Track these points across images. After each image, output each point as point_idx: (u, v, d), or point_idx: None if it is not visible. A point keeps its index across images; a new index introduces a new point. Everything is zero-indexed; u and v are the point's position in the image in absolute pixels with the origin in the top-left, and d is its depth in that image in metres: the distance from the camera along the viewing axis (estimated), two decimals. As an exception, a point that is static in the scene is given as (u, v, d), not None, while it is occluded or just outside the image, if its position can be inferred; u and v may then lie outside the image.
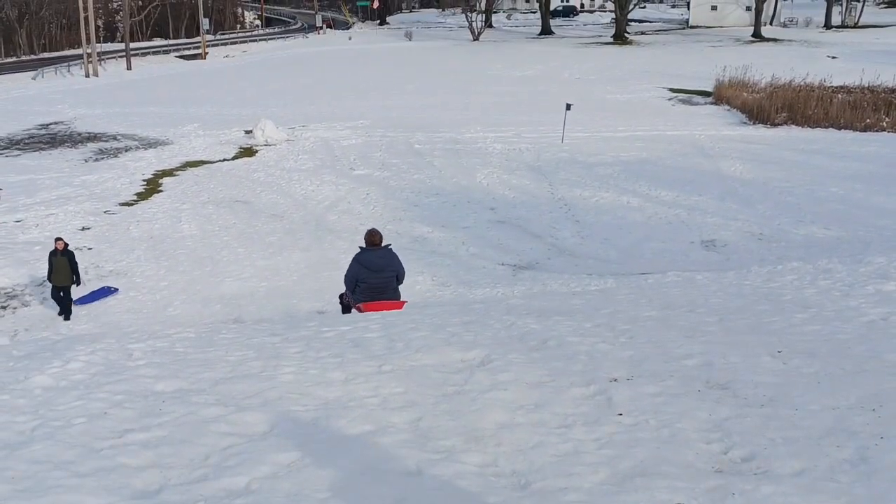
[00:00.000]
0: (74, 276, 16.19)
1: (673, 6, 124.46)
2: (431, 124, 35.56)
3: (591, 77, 52.76)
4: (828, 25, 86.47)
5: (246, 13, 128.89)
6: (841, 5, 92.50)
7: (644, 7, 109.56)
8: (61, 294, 16.10)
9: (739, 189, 24.85)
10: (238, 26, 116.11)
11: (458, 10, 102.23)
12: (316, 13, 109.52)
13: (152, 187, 25.86)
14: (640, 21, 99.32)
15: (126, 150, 31.39)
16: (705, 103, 41.27)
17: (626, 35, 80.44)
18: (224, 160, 29.73)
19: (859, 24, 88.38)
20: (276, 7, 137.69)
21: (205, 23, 77.62)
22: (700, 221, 21.80)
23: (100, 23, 75.51)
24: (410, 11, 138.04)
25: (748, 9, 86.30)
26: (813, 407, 5.72)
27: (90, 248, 19.92)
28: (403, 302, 10.19)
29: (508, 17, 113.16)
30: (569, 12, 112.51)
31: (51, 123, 37.71)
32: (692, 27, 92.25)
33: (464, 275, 18.44)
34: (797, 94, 36.97)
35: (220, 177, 27.19)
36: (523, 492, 4.73)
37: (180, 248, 20.15)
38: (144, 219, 22.39)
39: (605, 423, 5.62)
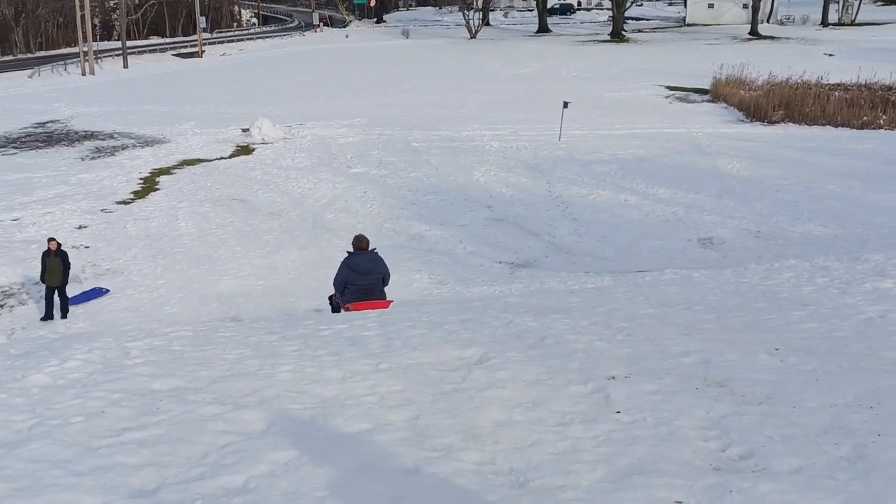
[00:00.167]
0: (64, 276, 16.02)
1: (670, 4, 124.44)
2: (429, 122, 35.55)
3: (588, 75, 52.75)
4: (825, 23, 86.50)
5: (243, 11, 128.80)
6: (838, 3, 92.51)
7: (641, 5, 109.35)
8: (55, 295, 15.98)
9: (737, 187, 24.86)
10: (235, 24, 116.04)
11: (455, 7, 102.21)
12: (313, 11, 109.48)
13: (149, 186, 25.83)
14: (637, 19, 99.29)
15: (123, 149, 31.35)
16: (702, 101, 41.28)
17: (622, 33, 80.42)
18: (221, 158, 29.70)
19: (856, 21, 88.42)
20: (273, 5, 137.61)
21: (201, 21, 77.52)
22: (697, 219, 21.82)
23: (96, 21, 75.46)
24: (407, 9, 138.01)
25: (745, 6, 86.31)
26: (810, 404, 5.73)
27: (87, 247, 19.89)
28: (389, 301, 10.52)
29: (505, 15, 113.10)
30: (566, 10, 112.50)
31: (47, 122, 37.65)
32: (689, 25, 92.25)
33: (461, 273, 18.44)
34: (794, 92, 36.99)
35: (217, 175, 27.17)
36: (521, 490, 4.73)
37: (177, 246, 20.12)
38: (141, 217, 22.36)
39: (602, 421, 5.62)
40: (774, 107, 35.54)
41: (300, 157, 29.80)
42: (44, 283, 16.10)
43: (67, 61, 62.23)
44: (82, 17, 60.79)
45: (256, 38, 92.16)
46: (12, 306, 16.62)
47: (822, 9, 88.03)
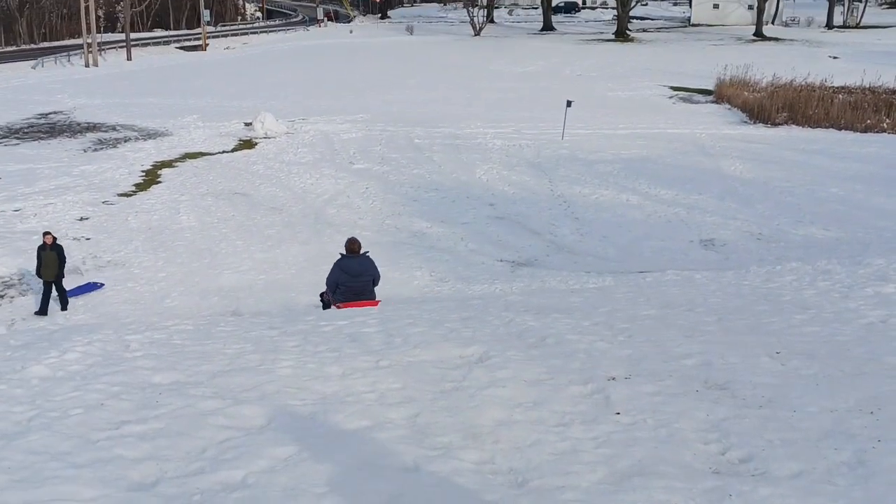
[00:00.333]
0: (60, 270, 15.92)
1: (675, 4, 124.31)
2: (432, 119, 35.53)
3: (592, 74, 52.72)
4: (830, 25, 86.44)
5: (247, 5, 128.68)
6: (843, 5, 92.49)
7: (646, 4, 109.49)
8: (52, 290, 15.87)
9: (739, 188, 24.84)
10: (239, 18, 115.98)
11: (460, 4, 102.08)
12: (317, 6, 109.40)
13: (151, 178, 25.81)
14: (642, 18, 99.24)
15: (125, 141, 31.33)
16: (706, 102, 41.24)
17: (627, 32, 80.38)
18: (223, 152, 29.69)
19: (861, 24, 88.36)
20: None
21: (206, 14, 77.44)
22: (699, 220, 21.79)
23: (100, 13, 75.44)
24: (412, 5, 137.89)
25: (750, 7, 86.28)
26: (811, 409, 5.72)
27: (88, 239, 19.88)
28: (378, 301, 10.94)
29: (510, 13, 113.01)
30: (570, 9, 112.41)
31: (50, 113, 37.64)
32: (694, 25, 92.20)
33: (462, 270, 18.42)
34: (798, 94, 36.94)
35: (219, 169, 27.15)
36: (520, 490, 4.73)
37: (179, 239, 20.11)
38: (143, 210, 22.35)
39: (602, 422, 5.61)
40: (778, 108, 35.50)
41: (303, 151, 29.78)
42: (40, 277, 15.98)
43: (71, 53, 62.20)
44: (86, 8, 60.76)
45: (260, 31, 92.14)
46: (12, 297, 16.61)
47: (827, 11, 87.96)
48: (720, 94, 41.38)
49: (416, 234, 21.04)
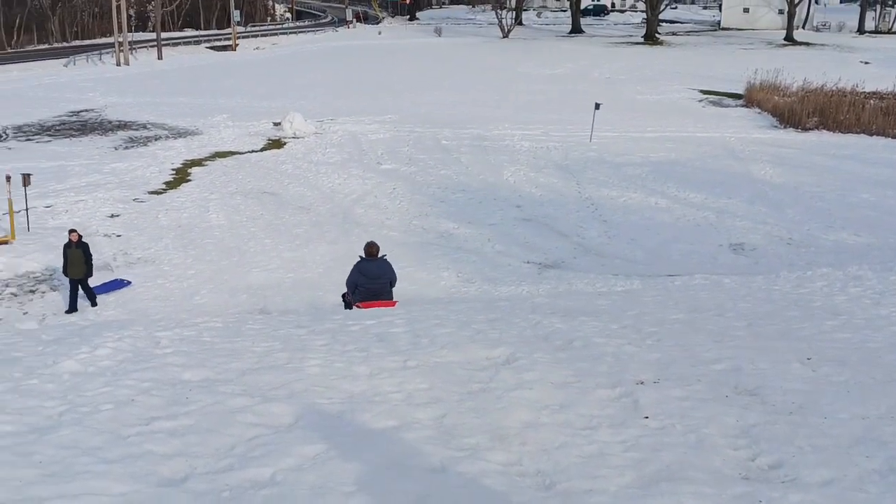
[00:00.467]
0: (87, 267, 16.03)
1: (705, 7, 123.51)
2: (459, 120, 35.54)
3: (620, 77, 52.50)
4: (861, 30, 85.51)
5: (277, 6, 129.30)
6: (874, 11, 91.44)
7: (675, 7, 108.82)
8: (79, 288, 15.98)
9: (769, 193, 24.65)
10: (269, 19, 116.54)
11: (488, 6, 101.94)
12: (346, 7, 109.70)
13: (181, 176, 26.02)
14: (672, 22, 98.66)
15: (156, 139, 31.61)
16: (736, 105, 40.96)
17: (656, 35, 79.91)
18: (252, 151, 29.87)
19: (893, 29, 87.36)
20: (306, 0, 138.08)
21: (236, 14, 77.83)
22: (729, 224, 21.65)
23: (132, 12, 76.15)
24: (440, 7, 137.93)
25: (781, 12, 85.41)
26: (842, 415, 5.67)
27: (119, 236, 20.07)
28: (395, 302, 11.43)
29: (538, 15, 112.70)
30: (599, 11, 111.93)
31: (82, 111, 38.03)
32: (724, 29, 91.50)
33: (489, 272, 18.41)
34: (829, 99, 36.60)
35: (248, 168, 27.31)
36: (548, 492, 4.71)
37: (208, 237, 20.26)
38: (173, 207, 22.53)
39: (631, 426, 5.58)
40: (809, 113, 35.19)
41: (331, 152, 29.90)
42: (66, 275, 16.07)
43: (102, 51, 62.76)
44: (118, 7, 61.30)
45: (290, 32, 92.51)
46: (44, 292, 16.80)
47: (858, 16, 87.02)
48: (750, 98, 41.08)
49: (443, 235, 21.05)
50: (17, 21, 73.26)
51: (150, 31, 78.63)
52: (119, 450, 5.31)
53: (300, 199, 23.81)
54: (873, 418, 5.60)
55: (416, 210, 23.06)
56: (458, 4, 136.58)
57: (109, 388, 6.59)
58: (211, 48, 73.65)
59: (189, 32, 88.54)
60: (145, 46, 65.95)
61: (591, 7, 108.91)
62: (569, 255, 19.62)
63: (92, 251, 16.40)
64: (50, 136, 32.11)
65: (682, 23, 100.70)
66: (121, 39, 59.73)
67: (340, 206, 23.28)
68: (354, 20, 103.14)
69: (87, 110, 38.19)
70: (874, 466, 4.87)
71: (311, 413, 5.98)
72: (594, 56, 66.42)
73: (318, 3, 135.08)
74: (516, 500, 4.61)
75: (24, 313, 15.78)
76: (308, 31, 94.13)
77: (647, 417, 5.73)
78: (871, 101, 37.02)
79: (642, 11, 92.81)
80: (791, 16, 78.75)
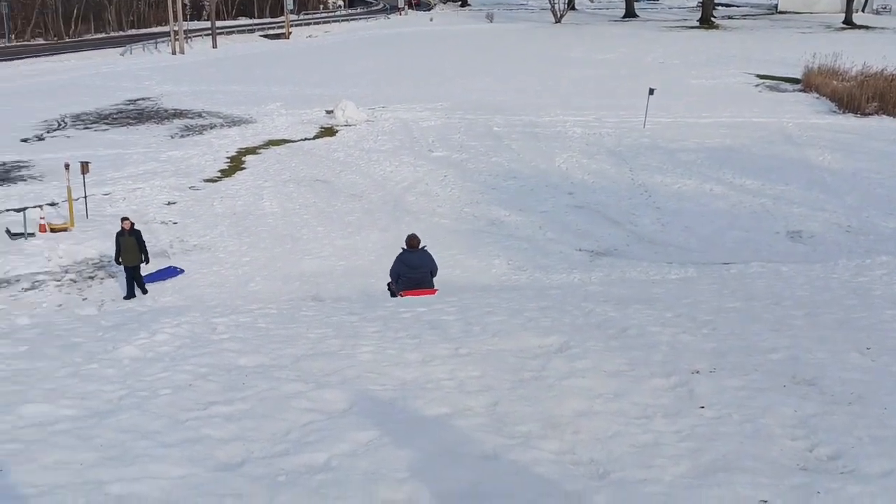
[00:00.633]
0: (143, 254, 16.28)
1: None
2: (511, 107, 35.41)
3: (675, 61, 51.81)
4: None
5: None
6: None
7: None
8: (133, 273, 16.22)
9: (827, 179, 24.18)
10: (321, 6, 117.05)
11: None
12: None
13: (235, 164, 26.32)
14: (728, 5, 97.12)
15: (211, 128, 32.00)
16: (793, 90, 40.21)
17: (712, 19, 78.71)
18: (305, 139, 30.09)
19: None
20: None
21: (289, 2, 78.31)
22: (785, 211, 21.29)
23: (186, 1, 76.91)
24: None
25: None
26: (903, 407, 5.55)
27: (175, 223, 20.39)
28: (436, 290, 11.97)
29: (591, 0, 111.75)
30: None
31: (138, 99, 38.64)
32: (781, 12, 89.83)
33: (540, 259, 18.35)
34: (889, 84, 35.70)
35: (301, 156, 27.53)
36: (601, 481, 4.69)
37: (262, 224, 20.48)
38: (228, 195, 22.81)
39: (686, 416, 5.53)
40: (868, 98, 34.40)
41: (382, 139, 29.99)
42: (119, 263, 16.31)
43: (158, 40, 63.66)
44: (174, -3, 62.12)
45: (342, 20, 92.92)
46: (102, 279, 17.14)
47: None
48: (808, 82, 40.28)
49: (494, 223, 21.02)
50: (76, 11, 74.59)
51: (204, 20, 79.57)
52: (177, 434, 5.40)
53: (352, 186, 23.94)
54: (936, 410, 5.47)
55: (468, 197, 23.05)
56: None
57: (168, 373, 6.70)
58: (264, 36, 74.29)
59: (243, 21, 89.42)
60: (200, 35, 66.75)
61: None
62: (621, 242, 19.47)
63: (150, 238, 16.68)
64: (107, 124, 32.68)
65: (738, 6, 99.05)
66: (176, 28, 60.50)
67: (392, 193, 23.36)
68: (406, 7, 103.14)
69: (143, 99, 38.79)
70: (936, 459, 4.76)
71: (364, 399, 6.02)
72: (648, 40, 65.66)
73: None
74: (569, 489, 4.60)
75: (84, 299, 16.12)
76: (360, 19, 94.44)
77: (702, 407, 5.67)
78: (934, 85, 36.06)
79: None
80: (850, -1, 77.03)
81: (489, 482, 4.69)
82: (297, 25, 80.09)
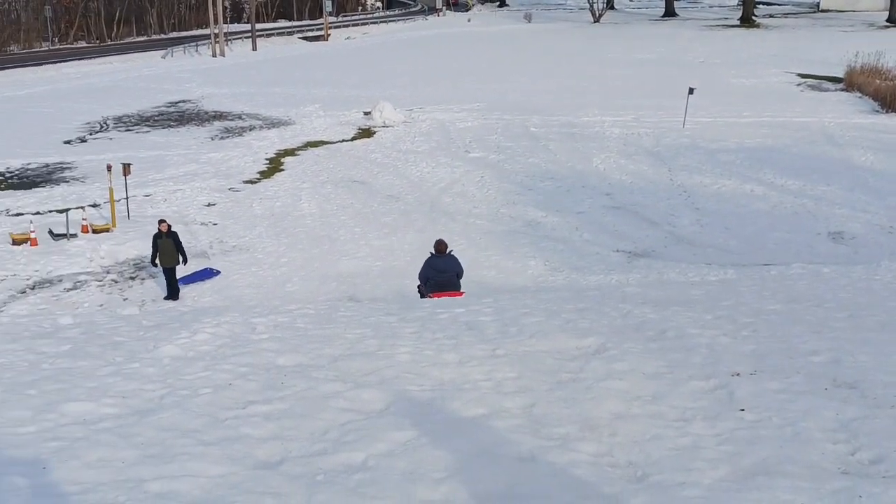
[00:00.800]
0: (181, 255, 16.39)
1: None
2: (548, 107, 35.29)
3: (715, 61, 51.33)
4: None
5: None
6: None
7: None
8: (172, 274, 16.31)
9: (870, 180, 23.81)
10: (360, 8, 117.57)
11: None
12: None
13: (274, 166, 26.51)
14: (769, 4, 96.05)
15: (250, 130, 32.26)
16: (835, 90, 39.63)
17: (753, 18, 77.88)
18: (343, 141, 30.23)
19: None
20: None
21: (327, 5, 78.75)
22: (827, 212, 21.00)
23: (227, 3, 77.71)
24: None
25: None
26: (948, 411, 5.46)
27: (215, 224, 20.58)
28: (462, 293, 12.68)
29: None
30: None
31: (179, 101, 39.06)
32: (823, 11, 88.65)
33: (577, 261, 18.27)
34: (935, 83, 35.13)
35: (339, 157, 27.66)
36: (639, 484, 4.67)
37: (300, 226, 20.61)
38: (267, 196, 22.98)
39: (725, 419, 5.49)
40: (912, 97, 33.82)
41: (419, 140, 30.05)
42: (155, 265, 16.42)
43: (199, 43, 64.29)
44: None
45: (380, 21, 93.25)
46: (143, 279, 17.35)
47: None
48: (850, 81, 39.67)
49: (530, 224, 20.97)
50: (118, 14, 75.65)
51: (244, 23, 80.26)
52: (217, 432, 5.46)
53: (389, 187, 24.01)
54: (982, 415, 5.38)
55: (504, 198, 23.01)
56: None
57: (208, 372, 6.78)
58: (303, 38, 74.74)
59: (282, 23, 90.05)
60: (240, 38, 67.33)
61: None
62: (659, 243, 19.32)
63: (190, 239, 16.79)
64: (149, 126, 33.08)
65: (779, 5, 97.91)
66: (216, 31, 61.10)
67: (428, 194, 23.39)
68: (444, 8, 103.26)
69: (184, 101, 39.20)
70: (983, 465, 4.68)
71: (401, 399, 6.05)
72: (688, 40, 65.15)
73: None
74: (607, 491, 4.59)
75: (125, 299, 16.33)
76: (398, 20, 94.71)
77: (742, 410, 5.62)
78: (981, 84, 35.37)
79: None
80: (895, -4, 75.77)
81: (526, 484, 4.69)
82: (335, 27, 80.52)
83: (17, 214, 20.89)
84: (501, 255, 18.56)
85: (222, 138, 30.70)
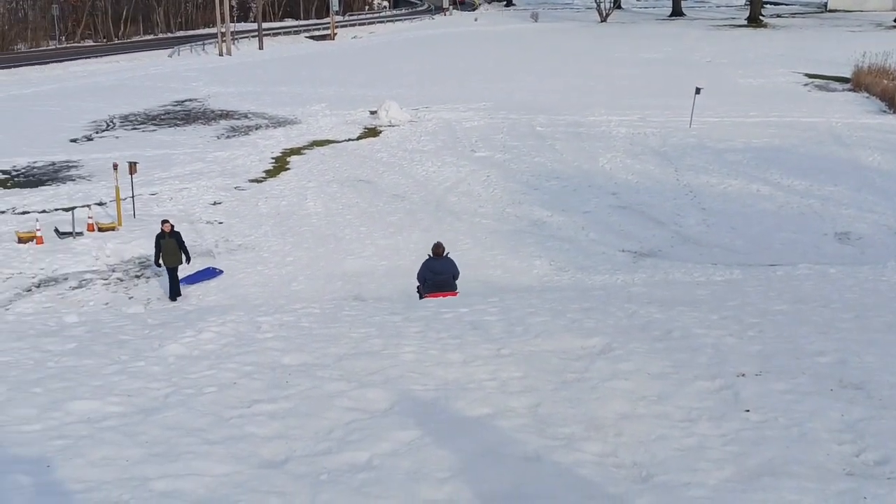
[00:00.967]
0: (185, 255, 16.36)
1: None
2: (554, 107, 35.26)
3: (722, 60, 51.25)
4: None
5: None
6: None
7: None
8: (176, 273, 16.28)
9: (877, 180, 23.74)
10: (366, 7, 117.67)
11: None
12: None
13: (280, 165, 26.52)
14: (776, 3, 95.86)
15: (256, 128, 32.28)
16: (843, 90, 39.55)
17: (760, 18, 77.75)
18: (349, 140, 30.24)
19: None
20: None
21: (334, 4, 78.77)
22: (834, 213, 20.95)
23: (233, 2, 77.67)
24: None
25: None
26: (955, 413, 5.44)
27: (220, 223, 20.60)
28: (457, 293, 13.27)
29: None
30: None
31: (185, 100, 39.10)
32: (830, 11, 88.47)
33: (582, 260, 18.25)
34: (942, 82, 35.02)
35: (344, 156, 27.67)
36: (645, 484, 4.65)
37: (305, 225, 20.62)
38: (272, 195, 22.99)
39: (731, 419, 5.47)
40: (920, 97, 33.73)
41: (425, 140, 30.04)
42: (158, 265, 16.39)
43: (206, 42, 64.36)
44: (221, -1, 62.79)
45: (387, 21, 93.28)
46: (148, 277, 17.37)
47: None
48: (858, 81, 39.58)
49: (536, 223, 20.95)
50: (124, 13, 75.77)
51: (251, 22, 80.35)
52: (222, 431, 5.46)
53: (395, 187, 24.01)
54: None
55: (510, 198, 23.00)
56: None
57: (213, 371, 6.78)
58: (310, 37, 74.77)
59: (289, 22, 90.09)
60: (247, 36, 67.38)
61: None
62: (665, 243, 19.30)
63: (196, 238, 16.78)
64: (155, 125, 33.12)
65: (787, 5, 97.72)
66: (223, 30, 61.16)
67: (434, 193, 23.39)
68: (451, 7, 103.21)
69: (190, 100, 39.25)
70: None
71: (406, 399, 6.04)
72: (695, 39, 65.07)
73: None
74: (612, 491, 4.58)
75: (130, 297, 16.35)
76: (405, 19, 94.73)
77: (748, 410, 5.60)
78: None
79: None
80: (902, -5, 75.62)
81: (531, 484, 4.68)
82: (342, 26, 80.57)
83: (24, 213, 20.95)
84: (507, 254, 18.55)
85: (228, 137, 30.73)
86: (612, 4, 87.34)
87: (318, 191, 23.50)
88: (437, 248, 13.70)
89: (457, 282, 13.64)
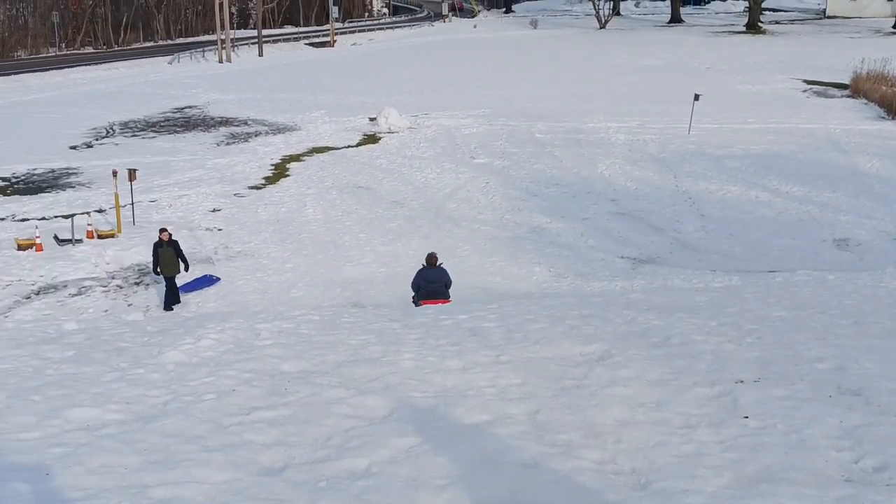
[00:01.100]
0: (183, 263, 16.30)
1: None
2: (553, 114, 35.30)
3: (721, 67, 51.30)
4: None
5: (374, 1, 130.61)
6: None
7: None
8: (173, 282, 16.22)
9: (876, 186, 23.76)
10: (366, 14, 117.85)
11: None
12: (443, 1, 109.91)
13: (280, 172, 26.55)
14: (775, 10, 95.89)
15: (256, 135, 32.31)
16: (841, 96, 39.59)
17: (759, 24, 77.82)
18: (348, 147, 30.26)
19: None
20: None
21: (334, 11, 78.91)
22: (832, 219, 20.96)
23: (233, 10, 77.82)
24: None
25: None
26: (953, 419, 5.44)
27: (220, 230, 20.61)
28: (449, 300, 13.61)
29: (636, 5, 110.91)
30: (700, 0, 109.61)
31: (185, 107, 39.14)
32: (829, 17, 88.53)
33: (581, 267, 18.25)
34: (941, 88, 35.05)
35: (344, 163, 27.70)
36: (643, 491, 4.66)
37: (305, 231, 20.63)
38: (272, 202, 23.01)
39: (729, 426, 5.48)
40: (919, 104, 33.73)
41: (424, 146, 30.07)
42: (157, 274, 16.33)
43: (205, 48, 64.43)
44: (220, 5, 62.85)
45: (386, 27, 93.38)
46: (148, 284, 17.37)
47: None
48: (857, 88, 39.61)
49: (535, 230, 20.96)
50: (124, 20, 75.89)
51: (251, 29, 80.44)
52: (220, 438, 5.47)
53: (394, 193, 24.03)
54: None
55: (509, 204, 23.01)
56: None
57: (212, 378, 6.78)
58: (310, 44, 74.85)
59: (289, 29, 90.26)
60: (246, 43, 67.46)
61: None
62: (664, 250, 19.31)
63: (195, 245, 16.76)
64: (155, 132, 33.15)
65: (785, 11, 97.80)
66: (223, 37, 61.25)
67: (433, 200, 23.40)
68: (450, 14, 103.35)
69: (190, 107, 39.29)
70: None
71: (404, 406, 6.05)
72: (694, 46, 65.14)
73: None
74: (611, 498, 4.58)
75: (129, 305, 16.35)
76: (404, 26, 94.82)
77: (746, 417, 5.61)
78: None
79: (744, 0, 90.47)
80: (901, 2, 75.70)
81: (529, 491, 4.68)
82: (341, 33, 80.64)
83: (23, 220, 20.97)
84: (506, 260, 18.56)
85: (228, 144, 30.76)
86: (611, 11, 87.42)
87: (317, 197, 23.51)
88: (431, 259, 14.13)
89: (451, 289, 13.92)
